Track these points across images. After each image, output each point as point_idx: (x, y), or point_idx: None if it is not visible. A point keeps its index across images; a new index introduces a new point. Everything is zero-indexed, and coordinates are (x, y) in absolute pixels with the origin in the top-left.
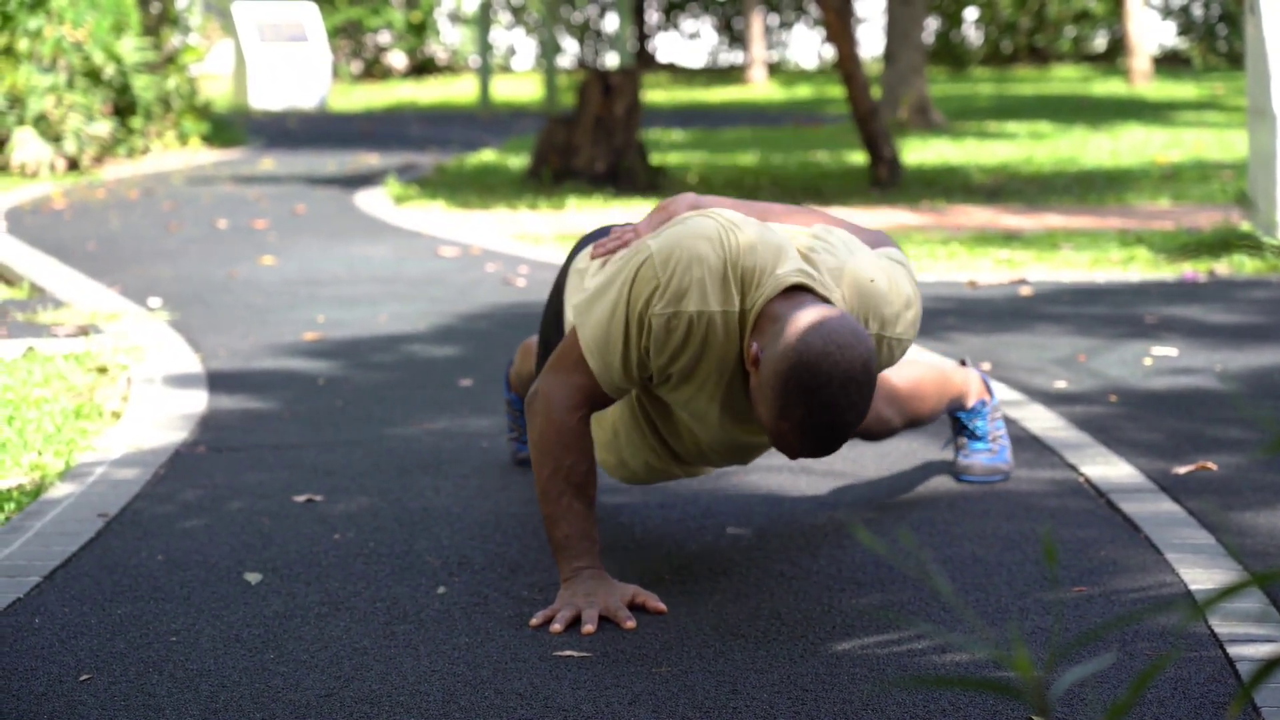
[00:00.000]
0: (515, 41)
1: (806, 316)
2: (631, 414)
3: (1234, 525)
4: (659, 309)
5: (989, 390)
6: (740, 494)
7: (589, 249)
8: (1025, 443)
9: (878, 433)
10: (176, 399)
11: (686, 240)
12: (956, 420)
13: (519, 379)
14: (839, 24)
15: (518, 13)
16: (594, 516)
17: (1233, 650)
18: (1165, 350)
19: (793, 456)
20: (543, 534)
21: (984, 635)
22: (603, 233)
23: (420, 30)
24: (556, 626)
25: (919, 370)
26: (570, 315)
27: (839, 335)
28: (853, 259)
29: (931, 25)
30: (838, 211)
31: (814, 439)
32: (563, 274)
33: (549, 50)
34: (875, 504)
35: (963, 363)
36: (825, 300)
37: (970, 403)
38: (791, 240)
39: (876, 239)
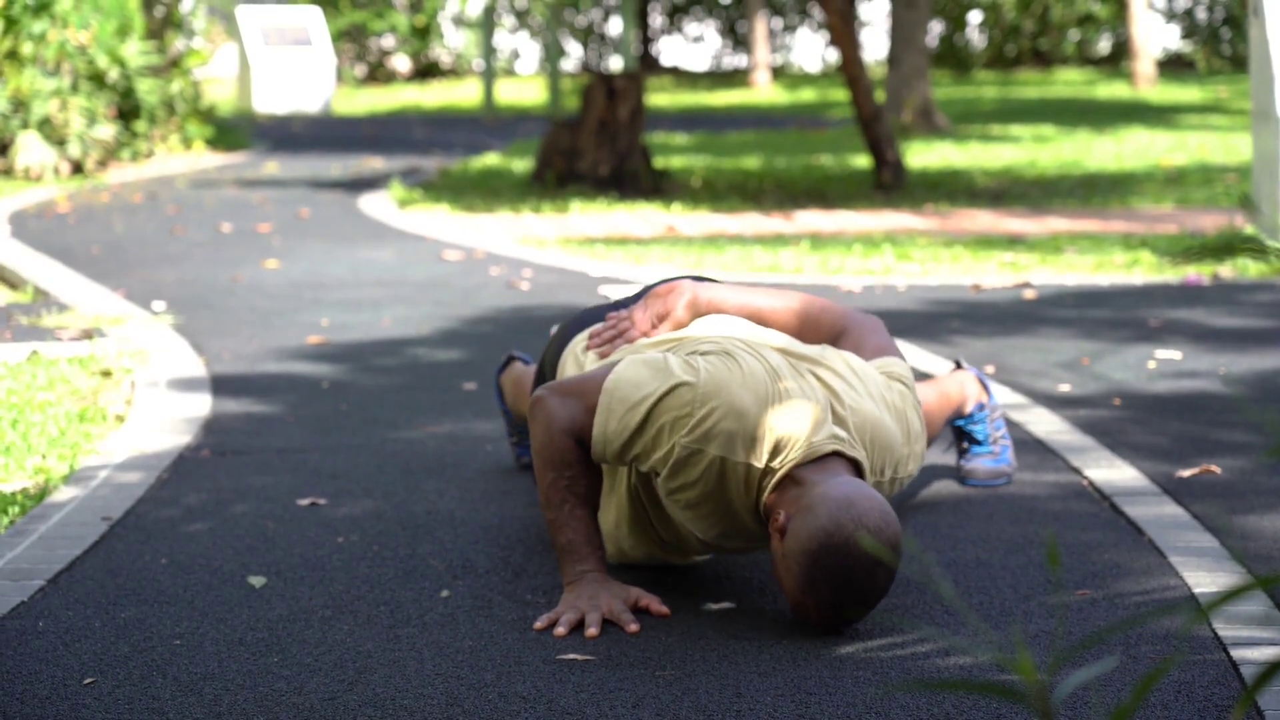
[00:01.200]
0: (519, 45)
1: (837, 493)
2: (632, 508)
3: (1238, 528)
4: (685, 441)
5: (987, 391)
6: None
7: (584, 337)
8: (1029, 446)
9: None
10: (180, 402)
11: (735, 388)
12: (956, 429)
13: (513, 401)
14: (843, 27)
15: (521, 16)
16: (597, 521)
17: (1236, 653)
18: (1169, 353)
19: (812, 624)
20: (547, 538)
21: (987, 638)
22: (593, 315)
23: (424, 34)
24: (560, 630)
25: (922, 389)
26: None
27: (869, 519)
28: (868, 405)
29: (935, 29)
30: (842, 216)
31: (835, 617)
32: (555, 352)
33: (553, 54)
34: None
35: (958, 364)
36: (853, 460)
37: (968, 409)
38: (822, 381)
39: (876, 343)
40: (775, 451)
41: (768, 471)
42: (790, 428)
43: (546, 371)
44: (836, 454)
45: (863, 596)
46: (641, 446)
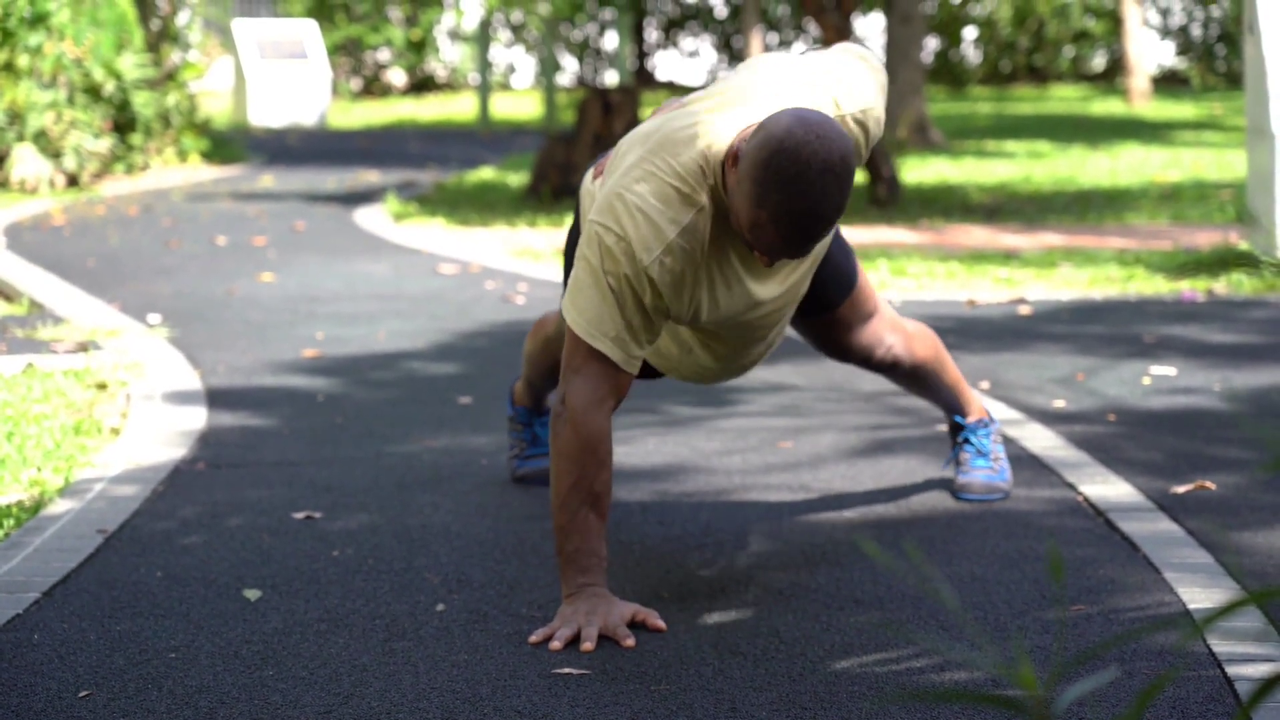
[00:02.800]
0: (515, 59)
1: (786, 111)
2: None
3: (1232, 544)
4: (648, 259)
5: (988, 414)
6: (739, 512)
7: (591, 173)
8: (1024, 462)
9: (878, 358)
10: (176, 415)
11: (619, 194)
12: (958, 430)
13: (529, 364)
14: (838, 43)
15: (517, 31)
16: (604, 532)
17: (1231, 670)
18: (1164, 369)
19: (769, 254)
20: (543, 551)
21: (987, 650)
22: (603, 155)
23: (420, 48)
24: (556, 644)
25: (919, 324)
26: None
27: (819, 126)
28: (776, 86)
29: (930, 44)
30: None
31: (790, 228)
32: (576, 214)
33: (548, 68)
34: (874, 522)
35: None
36: None
37: (971, 415)
38: (726, 96)
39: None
40: (700, 182)
41: (714, 194)
42: (691, 156)
43: (569, 253)
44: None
45: (816, 203)
46: (638, 310)
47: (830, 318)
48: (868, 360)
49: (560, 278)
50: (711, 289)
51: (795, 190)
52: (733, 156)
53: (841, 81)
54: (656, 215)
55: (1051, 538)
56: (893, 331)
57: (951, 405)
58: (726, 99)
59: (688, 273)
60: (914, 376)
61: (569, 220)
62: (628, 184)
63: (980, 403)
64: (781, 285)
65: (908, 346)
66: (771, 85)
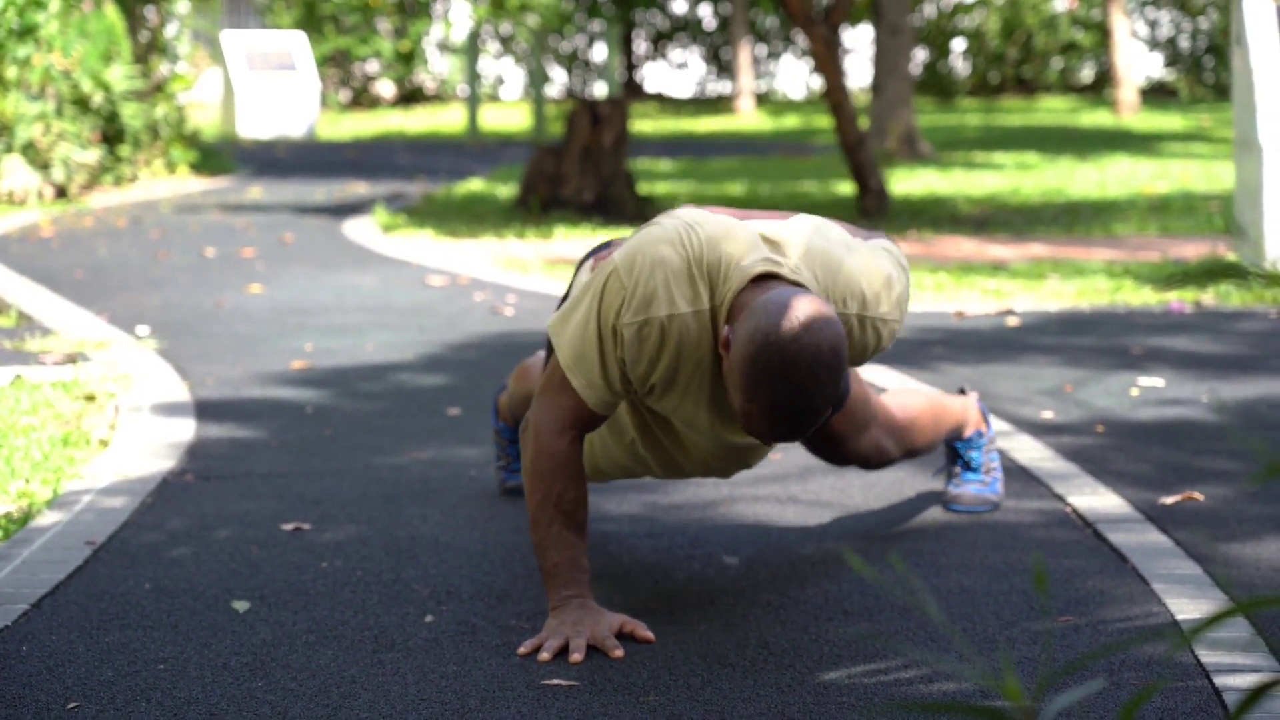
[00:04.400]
0: (503, 71)
1: (776, 299)
2: (611, 419)
3: (1220, 555)
4: (628, 319)
5: (986, 422)
6: (728, 523)
7: (590, 264)
8: (1013, 473)
9: (876, 462)
10: (164, 427)
11: (646, 246)
12: (952, 449)
13: (512, 401)
14: (827, 54)
15: (506, 42)
16: (584, 545)
17: (1219, 680)
18: (1152, 381)
19: (763, 440)
20: (531, 563)
21: (973, 662)
22: (605, 248)
23: (409, 59)
24: (544, 655)
25: (917, 401)
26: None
27: (807, 317)
28: (823, 240)
29: (919, 56)
30: None
31: (782, 422)
32: (569, 291)
33: (537, 80)
34: (863, 534)
35: (962, 391)
36: (795, 284)
37: (967, 433)
38: (762, 230)
39: (867, 234)
40: (711, 285)
41: (715, 313)
42: (718, 256)
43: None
44: (774, 276)
45: (807, 397)
46: (614, 362)
47: (824, 431)
48: (865, 465)
49: (552, 285)
50: (672, 389)
51: (784, 387)
52: (724, 342)
53: (882, 284)
54: (661, 286)
55: (1038, 551)
56: (889, 435)
57: (948, 442)
58: (781, 236)
59: (653, 352)
60: (911, 456)
61: (558, 231)
62: (660, 238)
63: (976, 413)
64: (746, 438)
65: (905, 443)
66: (820, 252)
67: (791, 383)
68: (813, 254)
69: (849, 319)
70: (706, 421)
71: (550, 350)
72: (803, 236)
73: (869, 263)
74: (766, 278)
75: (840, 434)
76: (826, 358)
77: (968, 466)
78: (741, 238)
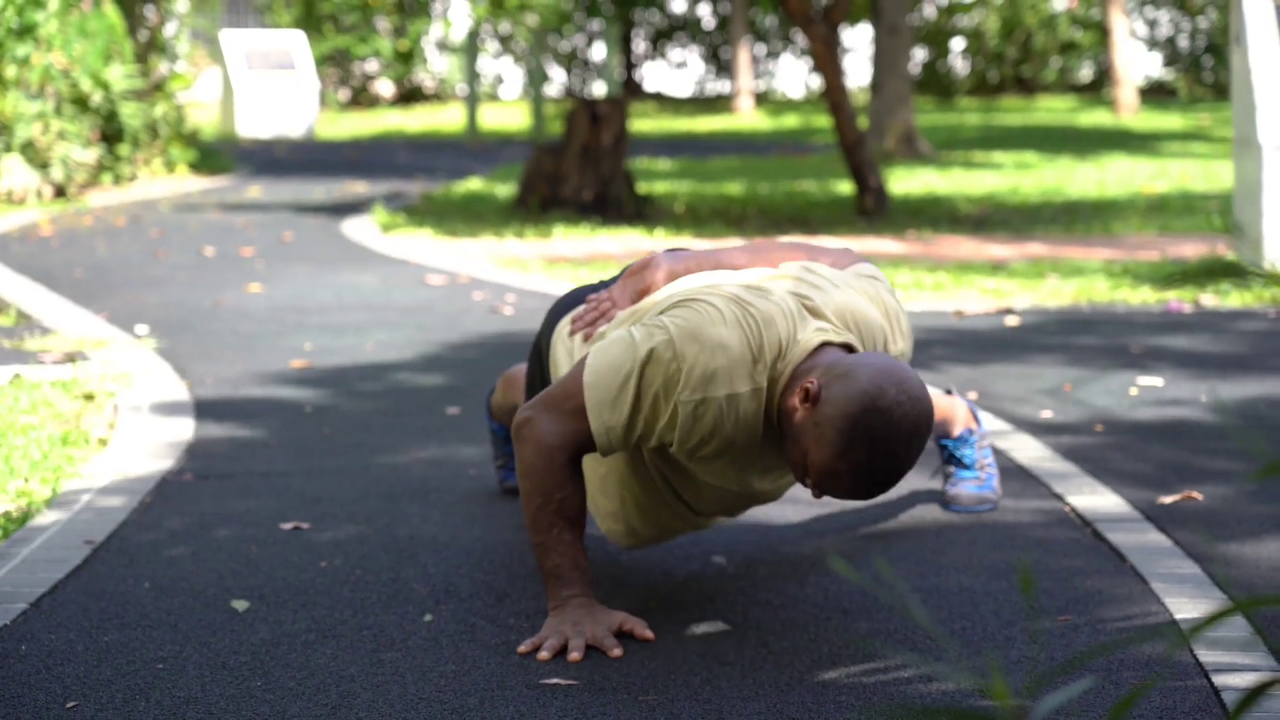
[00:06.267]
0: (503, 70)
1: (876, 360)
2: (642, 482)
3: (1219, 555)
4: (685, 396)
5: (976, 419)
6: (727, 523)
7: (566, 322)
8: (1012, 473)
9: None
10: (163, 426)
11: (705, 326)
12: (943, 448)
13: (500, 410)
14: (826, 54)
15: (505, 42)
16: (583, 544)
17: (1218, 679)
18: (1151, 380)
19: (834, 495)
20: (530, 562)
21: (965, 664)
22: (574, 299)
23: (408, 59)
24: (544, 654)
25: None
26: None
27: (910, 388)
28: (840, 294)
29: (918, 55)
30: (825, 240)
31: (867, 484)
32: (541, 342)
33: (536, 79)
34: (862, 533)
35: (948, 392)
36: (844, 345)
37: (956, 431)
38: (792, 290)
39: (844, 258)
40: (771, 364)
41: (771, 386)
42: (774, 337)
43: (539, 357)
44: (827, 344)
45: (897, 463)
46: (644, 423)
47: None
48: None
49: (550, 283)
50: (721, 455)
51: (881, 451)
52: (807, 393)
53: (889, 318)
54: (721, 369)
55: (1026, 555)
56: None
57: (938, 435)
58: (816, 299)
59: (709, 429)
60: None
61: (557, 230)
62: (717, 318)
63: (965, 411)
64: (776, 483)
65: None
66: (848, 307)
67: (888, 449)
68: (842, 310)
69: None
70: (744, 478)
71: (537, 356)
72: (828, 293)
73: (880, 302)
74: (824, 345)
75: None
76: (923, 430)
77: (960, 465)
78: (789, 308)
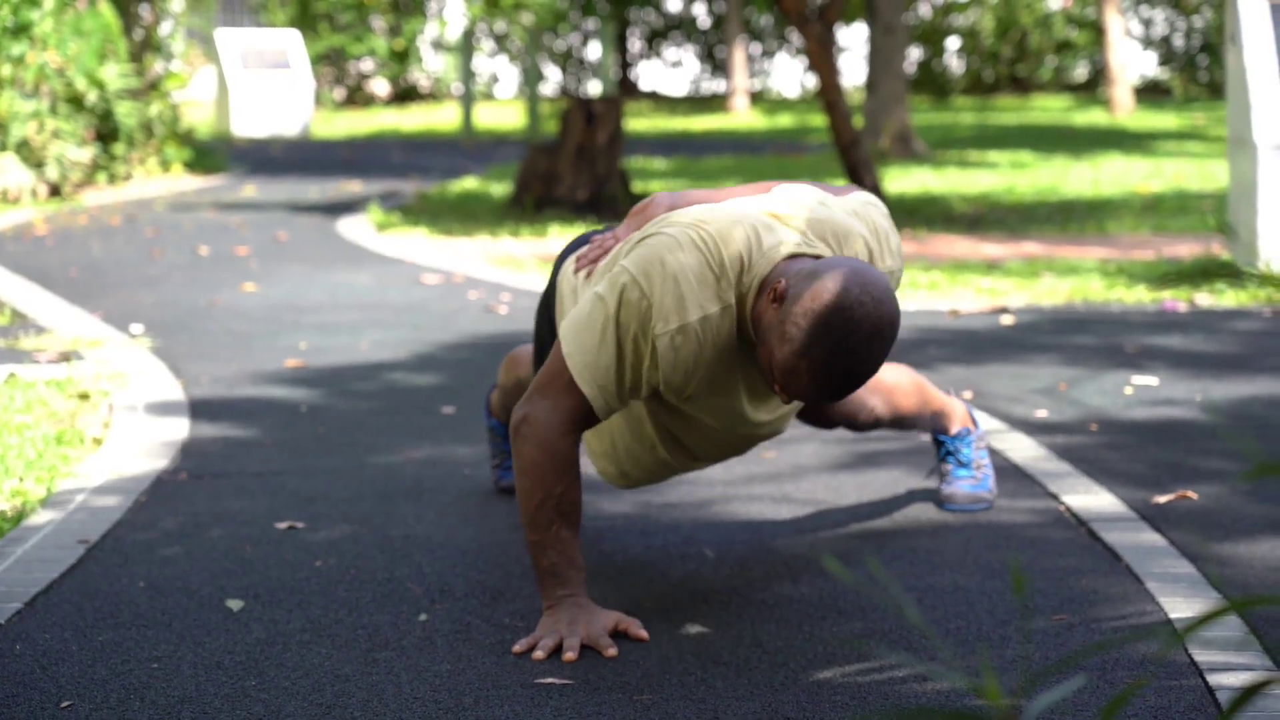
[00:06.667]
0: (498, 69)
1: (843, 262)
2: (633, 425)
3: (1214, 554)
4: (660, 329)
5: (974, 421)
6: (722, 522)
7: (572, 261)
8: (1007, 472)
9: (864, 422)
10: (158, 426)
11: (663, 255)
12: (940, 445)
13: (503, 394)
14: (821, 53)
15: (500, 41)
16: (579, 543)
17: (1212, 679)
18: (1146, 380)
19: (797, 395)
20: (525, 561)
21: (958, 664)
22: (583, 241)
23: (403, 58)
24: (539, 654)
25: (899, 368)
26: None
27: (875, 288)
28: (822, 210)
29: (914, 54)
30: None
31: (827, 382)
32: (550, 289)
33: (531, 78)
34: (856, 532)
35: (946, 393)
36: (815, 256)
37: (954, 428)
38: (761, 207)
39: (846, 190)
40: (737, 281)
41: (742, 301)
42: (734, 252)
43: (546, 309)
44: (797, 256)
45: (859, 363)
46: (631, 371)
47: None
48: (852, 425)
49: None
50: (708, 387)
51: (843, 349)
52: (776, 292)
53: (878, 236)
54: (689, 292)
55: (1018, 555)
56: (874, 394)
57: (935, 428)
58: (782, 211)
59: (690, 360)
60: (897, 424)
61: (552, 230)
62: (673, 245)
63: (963, 410)
64: (773, 413)
65: (890, 404)
66: (825, 220)
67: (849, 346)
68: (818, 223)
69: None
70: (737, 408)
71: (539, 345)
72: (804, 208)
73: (866, 218)
74: (792, 257)
75: None
76: (886, 330)
77: (959, 463)
78: (750, 222)
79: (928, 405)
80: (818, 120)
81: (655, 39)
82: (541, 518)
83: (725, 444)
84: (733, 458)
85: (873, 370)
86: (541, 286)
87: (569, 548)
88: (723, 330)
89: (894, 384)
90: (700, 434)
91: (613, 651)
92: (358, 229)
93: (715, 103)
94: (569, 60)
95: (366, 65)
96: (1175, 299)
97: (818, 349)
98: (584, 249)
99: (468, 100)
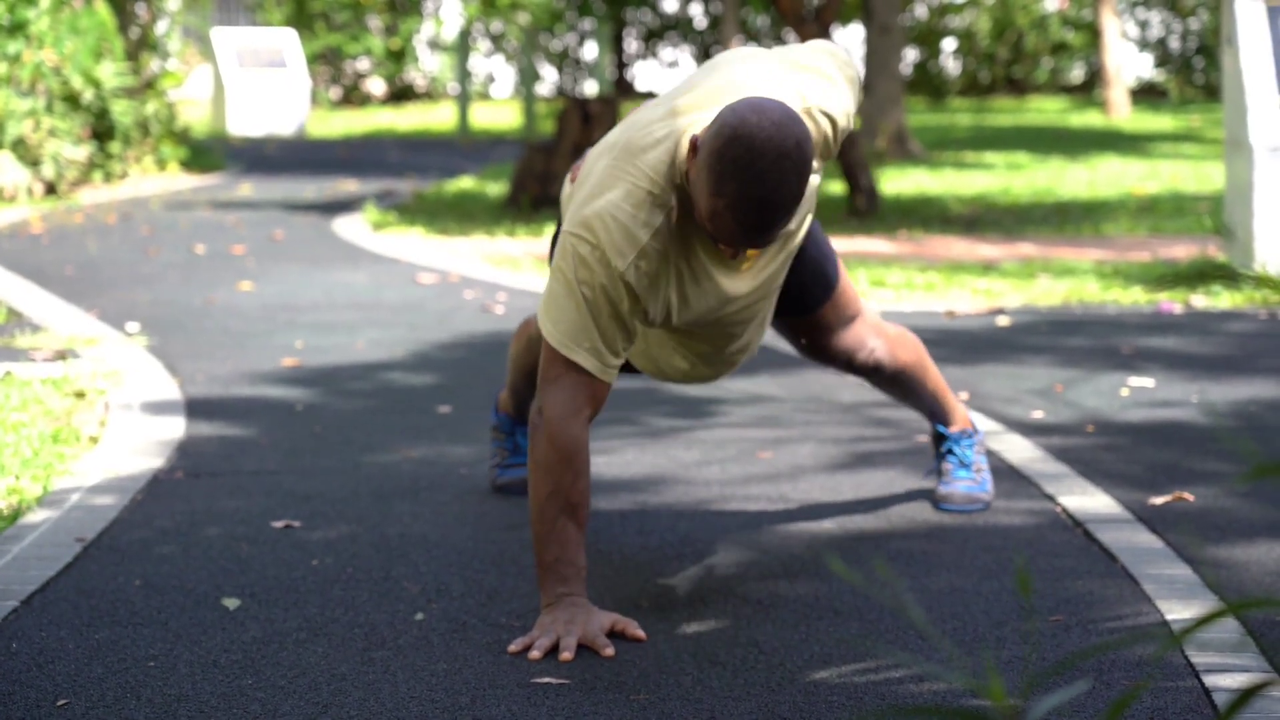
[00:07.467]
0: (494, 69)
1: (739, 102)
2: (656, 341)
3: (1210, 556)
4: (622, 265)
5: (974, 424)
6: (718, 522)
7: (568, 180)
8: (1003, 473)
9: (862, 362)
10: (154, 424)
11: (596, 203)
12: (941, 440)
13: (514, 369)
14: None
15: (497, 40)
16: (583, 542)
17: (1209, 680)
18: (1142, 381)
19: (730, 244)
20: (521, 561)
21: (959, 664)
22: (580, 160)
23: (399, 57)
24: (535, 653)
25: (904, 331)
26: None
27: (773, 113)
28: (745, 68)
29: (910, 56)
30: None
31: (746, 215)
32: (559, 222)
33: (528, 78)
34: (853, 532)
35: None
36: None
37: (956, 425)
38: (676, 104)
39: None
40: (668, 183)
41: (680, 192)
42: (656, 159)
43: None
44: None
45: (772, 189)
46: (614, 320)
47: (812, 319)
48: (849, 363)
49: (543, 284)
50: (681, 285)
51: (750, 177)
52: (693, 147)
53: (809, 75)
54: (628, 220)
55: (1022, 555)
56: (875, 335)
57: (934, 412)
58: (694, 100)
59: (661, 273)
60: (896, 381)
61: (549, 230)
62: (599, 192)
63: (964, 412)
64: (753, 281)
65: (890, 351)
66: (738, 85)
67: (758, 171)
68: (739, 85)
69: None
70: (715, 289)
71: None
72: (724, 80)
73: (800, 62)
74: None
75: (828, 324)
76: (792, 151)
77: (961, 464)
78: (659, 118)
79: (928, 374)
80: None
81: (651, 39)
82: (550, 510)
83: (727, 335)
84: (744, 356)
85: (791, 196)
86: (538, 286)
87: (571, 545)
88: (674, 229)
89: (897, 335)
90: (703, 343)
91: (609, 651)
92: (354, 228)
93: None
94: (565, 60)
95: (363, 64)
96: (1171, 300)
97: (729, 184)
98: (577, 163)
99: (464, 100)
